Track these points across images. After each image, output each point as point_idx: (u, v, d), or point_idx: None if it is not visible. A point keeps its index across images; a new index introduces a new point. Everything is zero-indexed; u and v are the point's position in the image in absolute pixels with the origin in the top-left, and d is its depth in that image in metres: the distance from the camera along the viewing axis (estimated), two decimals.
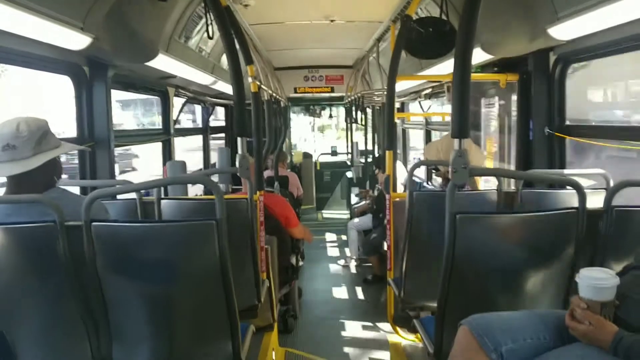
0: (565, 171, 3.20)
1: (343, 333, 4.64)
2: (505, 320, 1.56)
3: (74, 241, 1.78)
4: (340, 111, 11.69)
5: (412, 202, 2.74)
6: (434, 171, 3.86)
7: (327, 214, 10.27)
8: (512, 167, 3.85)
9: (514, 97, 3.79)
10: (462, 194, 2.91)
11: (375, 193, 6.26)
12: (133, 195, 2.85)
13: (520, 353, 1.46)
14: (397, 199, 3.41)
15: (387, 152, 3.55)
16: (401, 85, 5.57)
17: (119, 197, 2.95)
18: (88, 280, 1.82)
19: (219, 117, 7.95)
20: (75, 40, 2.54)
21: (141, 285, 1.84)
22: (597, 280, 1.51)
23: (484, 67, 3.98)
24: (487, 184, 3.85)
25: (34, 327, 1.88)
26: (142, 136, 5.08)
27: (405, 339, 3.53)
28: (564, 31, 2.72)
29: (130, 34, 3.01)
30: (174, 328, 1.91)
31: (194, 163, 6.63)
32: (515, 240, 1.96)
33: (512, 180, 3.31)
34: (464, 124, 1.82)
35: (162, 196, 2.89)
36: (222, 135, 7.62)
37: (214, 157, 6.58)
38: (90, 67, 3.24)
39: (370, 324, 4.78)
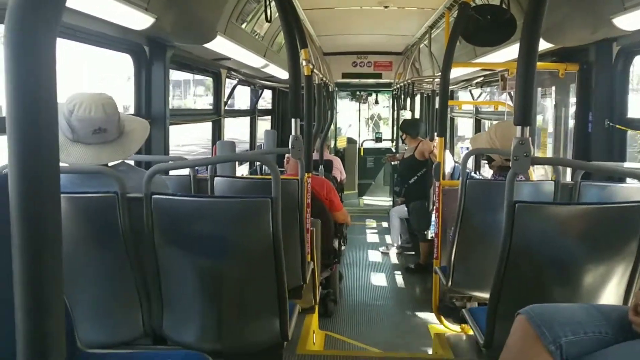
0: (625, 164, 3.09)
1: (383, 320, 4.64)
2: (565, 312, 1.52)
3: (133, 213, 1.82)
4: (384, 98, 11.58)
5: (465, 190, 2.71)
6: (483, 161, 3.76)
7: (368, 200, 10.23)
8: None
9: (572, 88, 3.67)
10: (517, 184, 2.85)
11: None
12: (185, 171, 2.93)
13: (580, 346, 1.42)
14: (446, 187, 3.37)
15: (438, 138, 3.51)
16: (453, 73, 5.47)
17: (172, 173, 3.03)
18: (144, 251, 1.86)
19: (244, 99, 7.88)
20: (139, 20, 2.59)
21: (195, 258, 1.88)
22: None
23: (541, 56, 3.86)
24: (541, 176, 3.76)
25: (90, 294, 1.93)
26: (194, 115, 5.19)
27: (449, 329, 3.51)
28: (631, 21, 2.61)
29: (190, 16, 3.05)
30: (224, 303, 1.94)
31: None
32: (575, 232, 1.91)
33: (568, 173, 3.21)
34: (528, 111, 1.78)
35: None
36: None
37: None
38: (150, 47, 3.31)
39: (410, 312, 4.76)
